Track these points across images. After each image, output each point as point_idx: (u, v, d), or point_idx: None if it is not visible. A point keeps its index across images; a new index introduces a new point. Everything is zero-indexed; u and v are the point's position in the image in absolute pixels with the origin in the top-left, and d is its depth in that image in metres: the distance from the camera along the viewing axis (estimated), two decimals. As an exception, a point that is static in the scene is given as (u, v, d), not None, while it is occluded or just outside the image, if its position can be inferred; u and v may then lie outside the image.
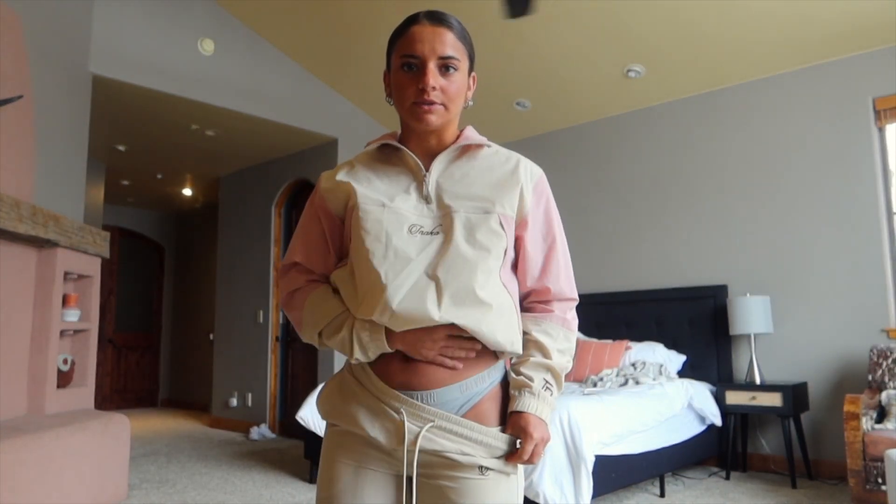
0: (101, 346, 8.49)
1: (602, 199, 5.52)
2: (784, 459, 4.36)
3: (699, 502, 3.73)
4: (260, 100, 5.53)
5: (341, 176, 1.27)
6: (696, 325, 4.80)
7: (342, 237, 1.29)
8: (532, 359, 1.24)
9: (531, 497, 3.08)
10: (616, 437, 3.41)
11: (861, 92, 4.32)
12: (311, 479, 4.38)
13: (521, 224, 1.25)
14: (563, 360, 1.26)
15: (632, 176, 5.36)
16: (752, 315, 4.31)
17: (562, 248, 1.30)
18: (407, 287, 1.13)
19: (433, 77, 1.17)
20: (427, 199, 1.21)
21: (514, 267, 1.28)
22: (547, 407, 1.22)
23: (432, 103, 1.18)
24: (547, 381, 1.23)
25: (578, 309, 1.35)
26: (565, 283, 1.30)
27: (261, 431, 6.36)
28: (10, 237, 3.29)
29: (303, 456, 4.74)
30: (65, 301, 3.85)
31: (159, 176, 7.62)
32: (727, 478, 4.29)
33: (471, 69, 1.25)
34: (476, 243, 1.16)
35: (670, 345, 4.83)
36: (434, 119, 1.19)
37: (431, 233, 1.18)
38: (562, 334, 1.27)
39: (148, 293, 9.57)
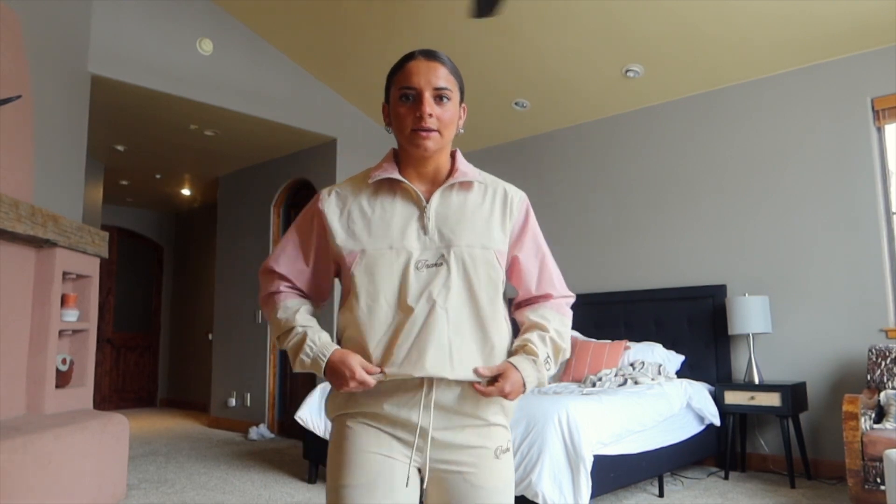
0: (99, 346, 8.49)
1: (601, 199, 5.52)
2: (783, 459, 4.36)
3: (698, 502, 3.74)
4: (259, 100, 5.52)
5: (340, 225, 1.37)
6: (694, 325, 4.80)
7: (329, 259, 1.41)
8: (537, 331, 1.39)
9: (530, 497, 3.08)
10: (615, 437, 3.41)
11: (860, 92, 4.33)
12: (310, 479, 4.38)
13: (514, 246, 1.41)
14: (560, 341, 1.40)
15: (631, 176, 5.37)
16: (750, 315, 4.31)
17: (550, 259, 1.47)
18: (412, 344, 1.27)
19: (429, 105, 1.29)
20: (426, 230, 1.32)
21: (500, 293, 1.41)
22: (538, 377, 1.34)
23: (430, 130, 1.29)
24: (549, 357, 1.37)
25: (577, 308, 1.41)
26: (560, 286, 1.47)
27: (259, 431, 6.35)
28: (8, 237, 3.28)
29: (301, 456, 4.75)
30: (63, 301, 3.84)
31: (158, 176, 7.61)
32: (726, 478, 4.29)
33: (461, 100, 1.37)
34: (479, 277, 1.31)
35: (669, 345, 4.83)
36: (431, 145, 1.31)
37: (436, 265, 1.30)
38: (557, 318, 1.42)
39: (147, 293, 9.56)
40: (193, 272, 9.45)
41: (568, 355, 1.42)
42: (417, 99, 1.29)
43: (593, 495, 3.17)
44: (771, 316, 4.46)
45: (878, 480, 3.22)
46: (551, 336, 1.38)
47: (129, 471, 4.76)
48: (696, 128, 5.04)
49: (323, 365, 1.31)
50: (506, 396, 1.29)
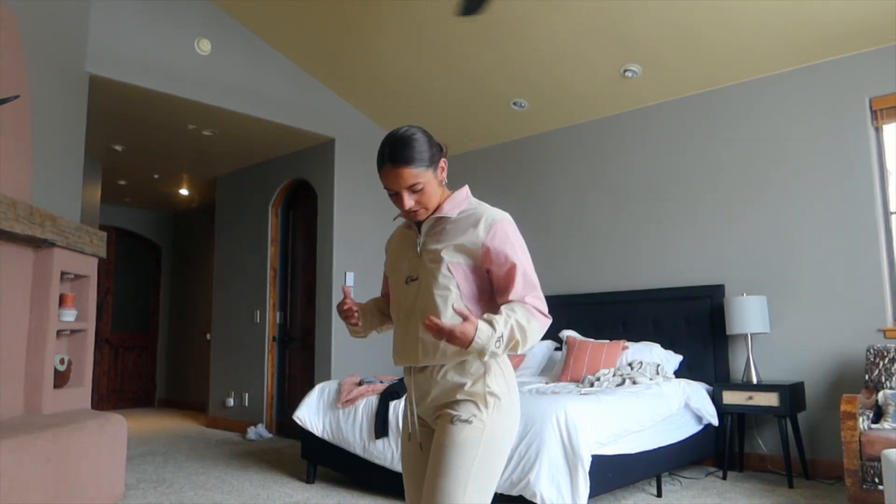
0: (97, 346, 8.48)
1: (599, 199, 5.52)
2: (781, 459, 4.37)
3: (696, 502, 3.74)
4: (257, 100, 5.52)
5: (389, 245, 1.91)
6: (692, 325, 4.81)
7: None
8: (504, 312, 1.57)
9: (528, 497, 3.08)
10: (613, 437, 3.42)
11: (858, 91, 4.33)
12: (309, 479, 4.38)
13: (484, 258, 1.66)
14: (517, 332, 1.55)
15: (628, 176, 5.37)
16: (748, 315, 4.32)
17: (521, 269, 1.64)
18: (402, 336, 1.73)
19: (408, 200, 1.67)
20: (420, 254, 1.72)
21: (479, 296, 1.69)
22: (483, 344, 1.50)
23: (416, 211, 1.70)
24: (502, 336, 1.53)
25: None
26: (526, 293, 1.64)
27: (258, 431, 6.35)
28: (6, 237, 3.28)
29: (300, 456, 4.74)
30: (62, 301, 3.84)
31: (156, 176, 7.60)
32: (724, 477, 4.30)
33: (436, 164, 1.69)
34: (437, 284, 1.65)
35: (667, 344, 4.83)
36: (421, 217, 1.72)
37: (417, 279, 1.70)
38: (522, 313, 1.58)
39: (145, 293, 9.56)
40: (192, 272, 9.44)
41: (520, 350, 1.59)
42: (399, 196, 1.67)
43: (591, 495, 3.17)
44: (769, 316, 4.47)
45: (876, 480, 3.22)
46: (512, 323, 1.55)
47: (127, 471, 4.75)
48: (694, 128, 5.05)
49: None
50: (449, 335, 1.47)
